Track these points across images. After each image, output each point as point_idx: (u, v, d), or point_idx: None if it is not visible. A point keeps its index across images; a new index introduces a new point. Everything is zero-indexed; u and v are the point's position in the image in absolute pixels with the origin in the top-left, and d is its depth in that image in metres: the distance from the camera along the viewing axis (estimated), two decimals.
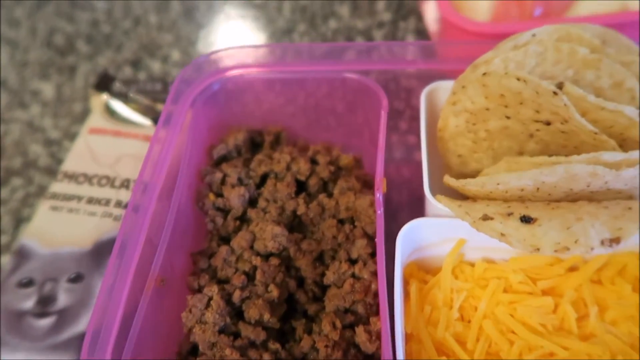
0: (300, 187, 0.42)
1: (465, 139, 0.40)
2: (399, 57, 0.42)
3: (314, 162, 0.43)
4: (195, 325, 0.34)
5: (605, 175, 0.30)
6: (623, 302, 0.34)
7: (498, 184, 0.33)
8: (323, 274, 0.38)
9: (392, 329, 0.31)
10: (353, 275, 0.37)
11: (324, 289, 0.38)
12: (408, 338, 0.35)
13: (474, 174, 0.41)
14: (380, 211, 0.34)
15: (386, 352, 0.30)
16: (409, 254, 0.38)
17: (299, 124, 0.48)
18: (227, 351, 0.33)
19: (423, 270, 0.39)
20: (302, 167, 0.41)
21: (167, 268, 0.37)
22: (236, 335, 0.34)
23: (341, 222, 0.39)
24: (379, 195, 0.35)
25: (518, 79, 0.33)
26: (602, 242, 0.29)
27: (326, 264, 0.38)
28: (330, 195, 0.41)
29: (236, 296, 0.35)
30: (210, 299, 0.34)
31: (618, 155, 0.30)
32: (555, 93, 0.32)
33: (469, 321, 0.35)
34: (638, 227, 0.29)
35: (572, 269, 0.36)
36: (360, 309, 0.35)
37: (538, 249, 0.30)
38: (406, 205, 0.48)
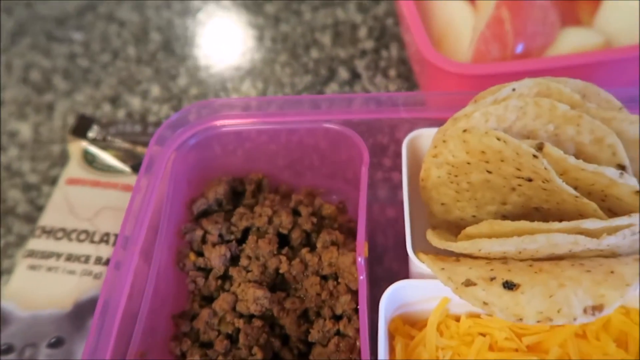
0: (283, 239, 0.41)
1: (447, 189, 0.39)
2: (382, 108, 0.41)
3: (296, 212, 0.42)
4: None
5: (586, 244, 0.30)
6: (607, 358, 0.34)
7: (480, 249, 0.32)
8: (308, 331, 0.37)
9: None
10: (338, 333, 0.37)
11: (310, 345, 0.38)
12: None
13: (457, 221, 0.41)
14: (362, 277, 0.34)
15: None
16: (393, 310, 0.37)
17: (281, 166, 0.47)
18: None
19: (408, 324, 0.38)
20: (284, 220, 0.40)
21: (148, 333, 0.36)
22: None
23: (324, 278, 0.39)
24: (360, 260, 0.34)
25: (498, 139, 0.33)
26: (585, 311, 0.29)
27: (311, 320, 0.38)
28: (313, 248, 0.40)
29: None
30: None
31: (599, 223, 0.30)
32: (535, 156, 0.31)
33: None
34: (621, 295, 0.29)
35: None
36: None
37: (521, 319, 0.30)
38: (392, 247, 0.48)
